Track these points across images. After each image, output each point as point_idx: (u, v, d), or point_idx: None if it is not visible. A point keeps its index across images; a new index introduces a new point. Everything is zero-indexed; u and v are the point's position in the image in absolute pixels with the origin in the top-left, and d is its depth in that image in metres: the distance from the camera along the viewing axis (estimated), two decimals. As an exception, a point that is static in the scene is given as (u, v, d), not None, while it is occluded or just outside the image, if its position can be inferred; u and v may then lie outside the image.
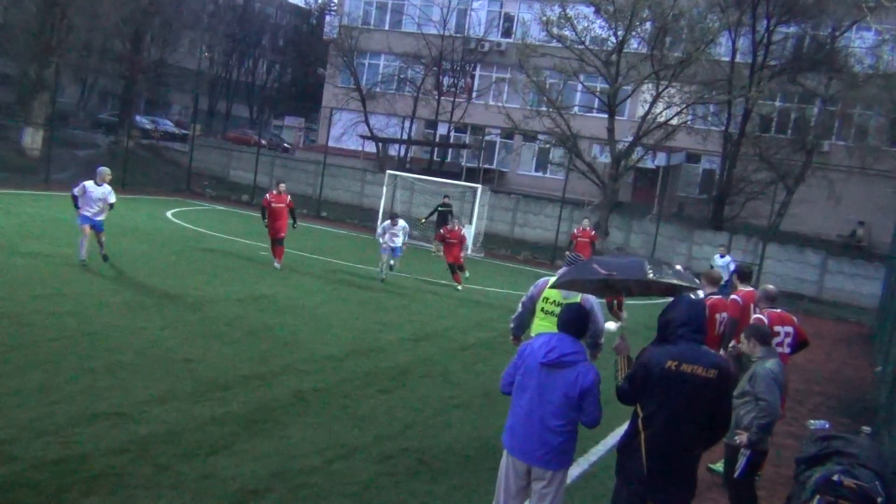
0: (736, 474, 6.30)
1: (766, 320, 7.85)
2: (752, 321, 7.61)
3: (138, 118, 41.53)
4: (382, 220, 27.09)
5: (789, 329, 8.14)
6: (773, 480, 7.88)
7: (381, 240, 17.44)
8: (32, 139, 30.24)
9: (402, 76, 41.76)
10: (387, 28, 43.21)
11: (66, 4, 29.19)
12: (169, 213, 24.20)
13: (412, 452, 7.39)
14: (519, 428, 5.05)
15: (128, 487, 5.85)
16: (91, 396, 7.55)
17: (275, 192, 17.01)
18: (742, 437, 6.18)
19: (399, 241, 17.34)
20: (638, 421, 4.74)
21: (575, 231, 20.87)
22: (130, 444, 6.61)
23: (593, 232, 20.29)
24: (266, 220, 16.77)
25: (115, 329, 10.05)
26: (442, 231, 18.57)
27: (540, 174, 39.84)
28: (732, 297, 8.82)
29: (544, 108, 28.17)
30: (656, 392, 4.65)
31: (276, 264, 16.56)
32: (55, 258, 14.17)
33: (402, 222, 17.58)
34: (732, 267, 20.01)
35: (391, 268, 17.42)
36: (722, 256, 20.43)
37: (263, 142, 41.27)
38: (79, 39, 31.29)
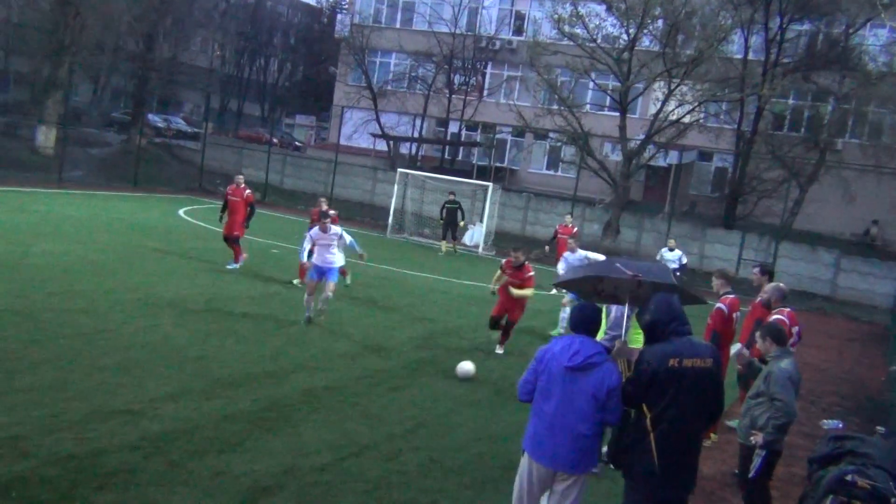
0: (751, 475, 6.26)
1: (787, 321, 7.83)
2: (772, 321, 7.54)
3: (151, 116, 41.70)
4: (392, 220, 27.35)
5: (797, 328, 8.16)
6: (786, 480, 7.84)
7: (303, 256, 12.16)
8: (46, 137, 30.44)
9: (413, 74, 41.77)
10: (398, 26, 43.21)
11: (80, 3, 29.35)
12: (181, 211, 24.30)
13: (423, 450, 7.40)
14: (545, 435, 4.95)
15: (140, 484, 5.89)
16: (104, 393, 7.60)
17: (233, 184, 15.95)
18: (757, 438, 6.14)
19: (336, 259, 11.92)
20: (645, 422, 4.75)
21: (557, 227, 20.67)
22: (143, 440, 6.65)
23: (574, 229, 20.08)
24: (222, 215, 15.72)
25: (128, 326, 10.10)
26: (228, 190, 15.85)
27: (551, 172, 39.75)
28: (761, 298, 8.70)
29: (555, 107, 28.12)
30: (665, 391, 4.70)
31: (232, 265, 15.12)
32: (68, 256, 14.26)
33: (339, 228, 12.18)
34: (684, 261, 19.69)
35: (324, 303, 11.88)
36: (671, 250, 19.69)
37: (275, 140, 41.37)
38: (92, 38, 31.42)
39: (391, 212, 27.16)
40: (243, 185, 15.89)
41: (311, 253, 12.01)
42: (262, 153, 34.36)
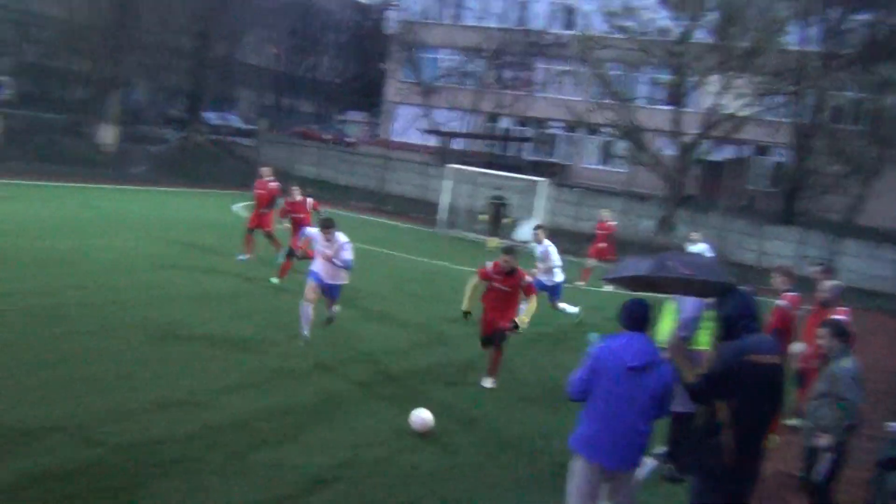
0: (817, 477, 6.11)
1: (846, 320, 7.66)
2: (838, 319, 7.36)
3: (206, 114, 42.46)
4: (443, 215, 27.43)
5: None
6: (850, 483, 7.63)
7: (280, 257, 10.87)
8: (107, 135, 31.25)
9: (463, 70, 41.75)
10: (447, 22, 43.23)
11: (138, 4, 30.04)
12: (236, 207, 24.69)
13: (478, 445, 7.41)
14: (604, 436, 4.89)
15: (201, 473, 6.02)
16: (165, 384, 7.78)
17: (259, 178, 15.76)
18: (824, 440, 5.98)
19: (341, 272, 10.05)
20: (719, 418, 4.70)
21: (597, 224, 19.88)
22: (203, 431, 6.80)
23: (611, 223, 19.46)
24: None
25: (188, 319, 10.31)
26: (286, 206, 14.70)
27: (604, 167, 39.38)
28: (819, 296, 8.56)
29: (607, 101, 27.83)
30: (740, 387, 4.66)
31: (281, 258, 14.12)
32: (129, 250, 14.62)
33: (344, 237, 10.05)
34: (709, 255, 18.93)
35: (330, 319, 10.38)
36: (694, 243, 18.84)
37: (327, 137, 41.75)
38: (149, 38, 32.13)
39: (442, 207, 27.21)
40: (268, 178, 15.66)
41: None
42: (315, 150, 34.76)
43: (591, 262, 18.47)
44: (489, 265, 9.37)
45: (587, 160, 40.50)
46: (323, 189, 31.79)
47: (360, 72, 61.50)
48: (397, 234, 24.13)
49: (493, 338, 9.37)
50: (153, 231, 17.41)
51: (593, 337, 5.26)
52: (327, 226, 9.92)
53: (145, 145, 32.89)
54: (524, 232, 26.28)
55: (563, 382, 5.94)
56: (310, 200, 14.63)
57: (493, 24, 39.18)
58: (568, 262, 21.85)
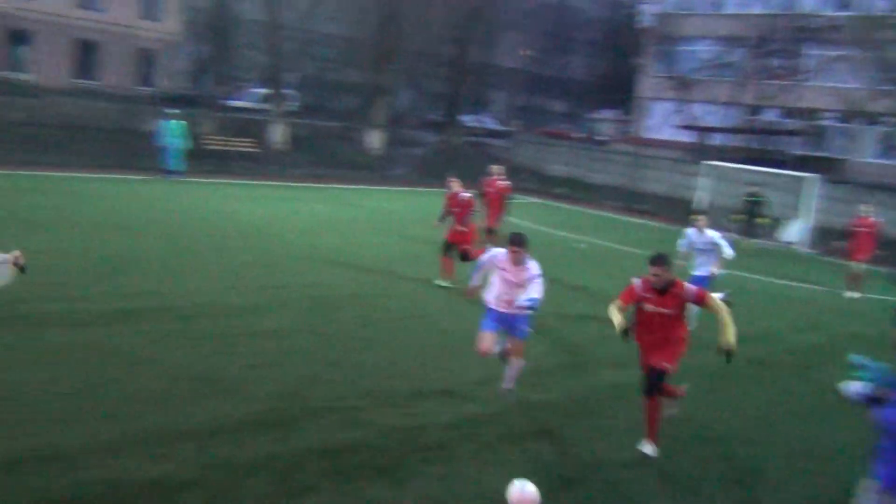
0: None
1: None
2: None
3: (462, 117, 44.22)
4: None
5: None
6: None
7: (475, 278, 8.04)
8: (374, 140, 33.75)
9: (722, 61, 39.64)
10: (705, 12, 41.27)
11: (401, 16, 32.10)
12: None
13: (736, 458, 7.07)
14: None
15: (457, 461, 6.34)
16: (424, 373, 8.30)
17: (489, 176, 15.32)
18: None
19: (530, 298, 7.19)
20: None
21: (855, 220, 17.06)
22: (460, 421, 7.14)
23: (872, 219, 16.78)
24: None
25: (442, 313, 10.89)
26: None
27: (886, 161, 35.41)
28: None
29: (889, 87, 25.03)
30: None
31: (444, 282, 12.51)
32: (390, 248, 15.70)
33: (536, 266, 7.45)
34: None
35: (502, 356, 7.85)
36: None
37: (578, 135, 41.70)
38: (412, 48, 34.20)
39: (698, 206, 26.07)
40: (496, 177, 15.37)
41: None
42: (566, 149, 34.90)
43: (856, 265, 16.59)
44: (637, 282, 6.88)
45: (866, 153, 36.66)
46: (574, 188, 31.91)
47: (611, 69, 60.65)
48: (648, 234, 23.52)
49: (650, 382, 6.92)
50: (411, 230, 18.46)
51: (857, 359, 4.73)
52: (519, 243, 7.41)
53: (407, 148, 35.03)
54: (791, 232, 24.44)
55: (834, 395, 5.50)
56: (464, 195, 12.95)
57: (756, 11, 36.78)
58: (839, 267, 20.08)
